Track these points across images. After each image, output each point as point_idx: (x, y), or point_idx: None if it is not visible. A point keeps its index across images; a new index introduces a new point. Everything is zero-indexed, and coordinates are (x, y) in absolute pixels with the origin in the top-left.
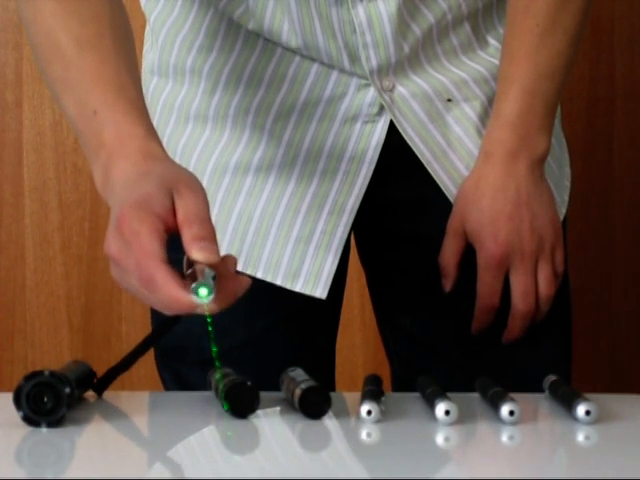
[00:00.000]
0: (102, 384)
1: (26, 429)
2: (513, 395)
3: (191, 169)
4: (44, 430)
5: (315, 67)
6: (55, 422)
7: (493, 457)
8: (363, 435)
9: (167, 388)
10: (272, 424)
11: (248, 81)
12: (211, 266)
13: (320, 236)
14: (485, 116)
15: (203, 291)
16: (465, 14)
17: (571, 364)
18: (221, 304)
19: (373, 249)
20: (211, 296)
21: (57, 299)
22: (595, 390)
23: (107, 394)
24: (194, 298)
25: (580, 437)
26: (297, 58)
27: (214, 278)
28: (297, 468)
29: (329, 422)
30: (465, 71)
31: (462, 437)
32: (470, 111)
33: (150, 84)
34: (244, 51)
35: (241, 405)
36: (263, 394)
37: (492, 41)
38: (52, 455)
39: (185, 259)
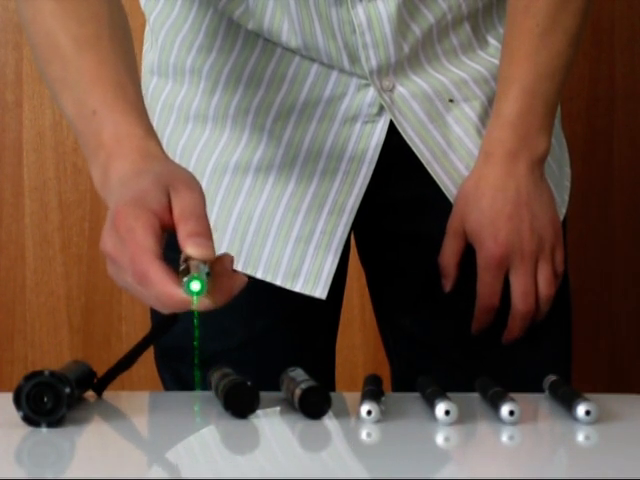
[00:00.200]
0: (102, 384)
1: (26, 429)
2: (513, 395)
3: (191, 169)
4: (44, 430)
5: (315, 67)
6: (55, 422)
7: (493, 457)
8: (363, 435)
9: (167, 388)
10: (272, 424)
11: (248, 81)
12: (208, 264)
13: (320, 236)
14: (485, 116)
15: (195, 285)
16: (465, 14)
17: (571, 364)
18: (217, 302)
19: (373, 249)
20: (203, 291)
21: (57, 299)
22: (595, 390)
23: (107, 394)
24: (186, 293)
25: (580, 437)
26: (297, 58)
27: (208, 274)
28: (297, 468)
29: (329, 422)
30: (465, 71)
31: (462, 437)
32: (470, 111)
33: (150, 84)
34: (244, 51)
35: (241, 405)
36: (263, 394)
37: (492, 41)
38: (52, 455)
39: (181, 257)
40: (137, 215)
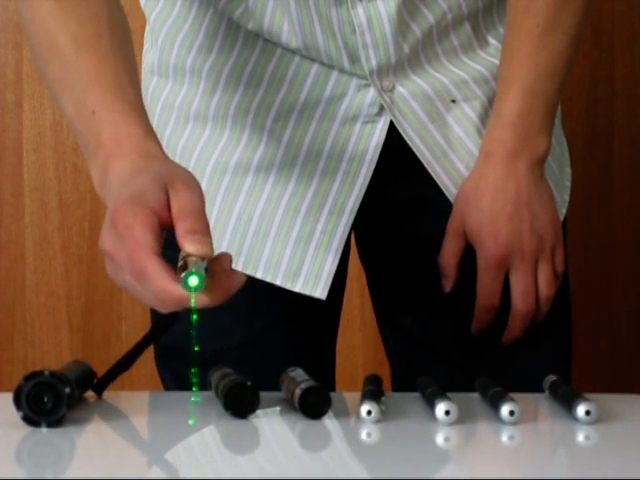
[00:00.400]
0: (102, 384)
1: (26, 429)
2: (513, 395)
3: (191, 169)
4: (44, 430)
5: (315, 67)
6: (55, 422)
7: (493, 457)
8: (363, 435)
9: (167, 388)
10: (272, 424)
11: (248, 81)
12: (206, 261)
13: (320, 236)
14: (485, 116)
15: (193, 280)
16: (465, 14)
17: (571, 364)
18: (215, 300)
19: (373, 249)
20: (201, 286)
21: (57, 299)
22: (595, 390)
23: (107, 394)
24: (184, 289)
25: (580, 437)
26: (297, 58)
27: (206, 270)
28: (297, 468)
29: (329, 422)
30: (465, 71)
31: (462, 437)
32: (470, 111)
33: (150, 84)
34: (244, 51)
35: (241, 405)
36: (263, 394)
37: (492, 41)
38: (52, 455)
39: (180, 255)
40: (136, 212)
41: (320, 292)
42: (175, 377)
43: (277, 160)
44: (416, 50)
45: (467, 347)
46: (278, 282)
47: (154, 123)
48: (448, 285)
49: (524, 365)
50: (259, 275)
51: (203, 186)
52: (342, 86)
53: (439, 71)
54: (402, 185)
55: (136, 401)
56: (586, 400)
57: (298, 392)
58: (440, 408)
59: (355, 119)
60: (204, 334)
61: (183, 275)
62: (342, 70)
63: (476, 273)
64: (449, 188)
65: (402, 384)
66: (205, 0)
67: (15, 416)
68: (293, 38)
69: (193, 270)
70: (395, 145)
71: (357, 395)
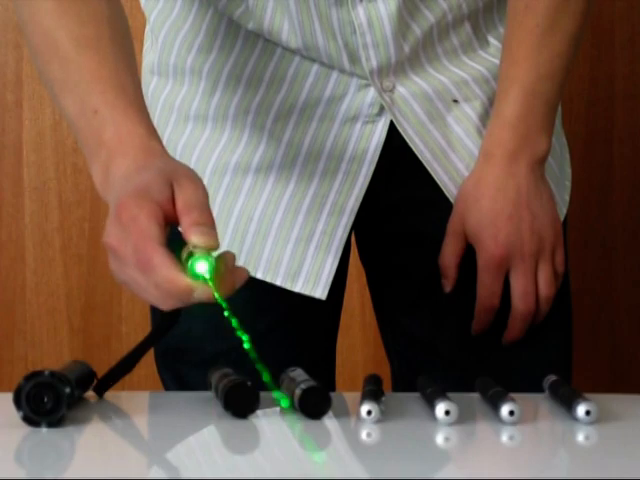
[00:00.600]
0: (102, 386)
1: (26, 429)
2: (513, 395)
3: None
4: (44, 430)
5: (315, 67)
6: (55, 422)
7: (493, 457)
8: (363, 435)
9: (167, 388)
10: (272, 424)
11: (248, 81)
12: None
13: (320, 236)
14: (485, 116)
15: (201, 266)
16: (465, 14)
17: (571, 364)
18: (219, 293)
19: (373, 249)
20: (210, 273)
21: (57, 299)
22: (595, 390)
23: (107, 394)
24: (191, 278)
25: (580, 437)
26: (297, 58)
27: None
28: (297, 468)
29: (329, 422)
30: (466, 71)
31: (462, 437)
32: (470, 111)
33: (150, 84)
34: (244, 51)
35: (241, 405)
36: (263, 394)
37: (493, 41)
38: (52, 455)
39: (184, 248)
40: (141, 205)
41: (320, 292)
42: (175, 377)
43: (277, 160)
44: (416, 50)
45: (467, 347)
46: (278, 282)
47: (154, 123)
48: (448, 285)
49: (524, 365)
50: (259, 275)
51: None
52: (342, 86)
53: (439, 71)
54: (402, 185)
55: (136, 401)
56: (586, 400)
57: (298, 392)
58: (440, 408)
59: (355, 119)
60: (204, 334)
61: (191, 261)
62: (342, 70)
63: (476, 273)
64: (449, 188)
65: (402, 384)
66: (205, 0)
67: (15, 416)
68: (293, 38)
69: (201, 255)
70: (395, 145)
71: (357, 395)
